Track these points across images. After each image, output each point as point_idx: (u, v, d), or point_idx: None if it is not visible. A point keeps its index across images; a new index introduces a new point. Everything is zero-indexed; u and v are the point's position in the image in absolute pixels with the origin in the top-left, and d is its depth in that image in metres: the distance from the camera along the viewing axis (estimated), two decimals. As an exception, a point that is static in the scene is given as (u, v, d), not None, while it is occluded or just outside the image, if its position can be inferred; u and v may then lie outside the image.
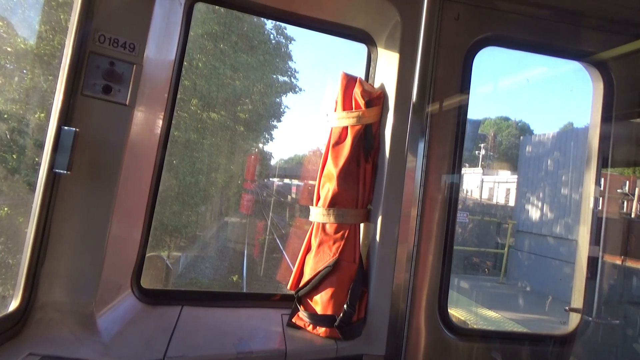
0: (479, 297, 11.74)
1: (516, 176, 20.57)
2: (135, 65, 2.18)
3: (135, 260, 2.59)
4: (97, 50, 2.13)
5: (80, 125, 2.07)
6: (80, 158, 2.08)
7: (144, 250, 2.64)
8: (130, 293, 2.58)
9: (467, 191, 33.44)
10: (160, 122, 2.62)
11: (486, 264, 17.21)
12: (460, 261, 16.23)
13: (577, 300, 3.25)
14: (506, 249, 15.50)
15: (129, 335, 2.26)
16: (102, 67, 2.14)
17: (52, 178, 2.07)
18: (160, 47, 2.43)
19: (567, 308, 3.28)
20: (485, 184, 32.90)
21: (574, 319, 3.24)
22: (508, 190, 26.62)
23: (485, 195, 30.34)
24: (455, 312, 8.62)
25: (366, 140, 2.78)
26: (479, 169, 36.71)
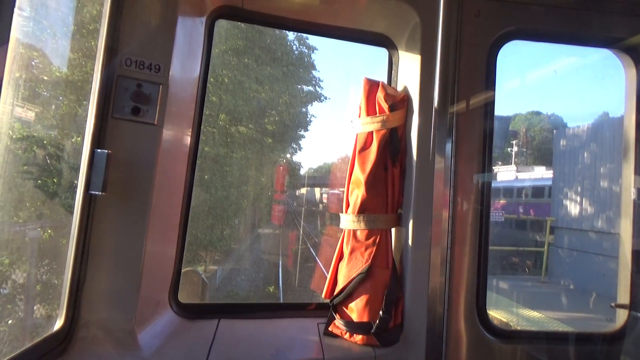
0: (521, 297, 11.41)
1: (551, 171, 19.99)
2: (161, 85, 2.25)
3: (171, 275, 2.64)
4: (124, 73, 2.21)
5: (112, 147, 2.14)
6: (113, 179, 2.14)
7: (180, 265, 2.70)
8: (169, 308, 2.63)
9: (501, 190, 32.72)
10: (189, 139, 2.68)
11: (526, 263, 16.75)
12: (498, 261, 15.86)
13: (624, 296, 3.12)
14: (546, 246, 15.01)
15: (169, 350, 2.30)
16: (130, 90, 2.21)
17: (89, 199, 2.14)
18: (184, 66, 2.49)
19: (613, 304, 3.15)
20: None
21: (622, 316, 3.10)
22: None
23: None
24: (497, 314, 8.39)
25: (392, 144, 2.77)
26: (513, 167, 35.90)
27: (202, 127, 2.84)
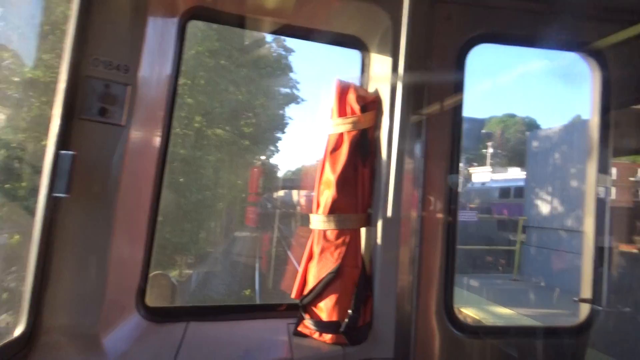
0: (493, 295, 11.64)
1: (525, 172, 20.45)
2: (129, 86, 2.22)
3: (138, 279, 2.61)
4: (91, 73, 2.17)
5: (78, 149, 2.11)
6: (78, 181, 2.10)
7: (148, 268, 2.66)
8: (135, 312, 2.59)
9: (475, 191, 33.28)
10: (158, 140, 2.64)
11: (499, 261, 17.09)
12: (473, 260, 16.13)
13: (587, 291, 3.22)
14: (518, 245, 15.39)
15: (135, 354, 2.27)
16: (97, 90, 2.18)
17: (52, 202, 2.10)
18: (154, 67, 2.47)
19: (576, 299, 3.25)
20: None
21: (585, 310, 3.21)
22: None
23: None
24: (470, 312, 8.55)
25: (363, 145, 2.79)
26: (488, 167, 36.57)
27: (173, 128, 2.82)
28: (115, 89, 2.20)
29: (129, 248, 2.47)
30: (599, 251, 3.21)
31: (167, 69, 2.69)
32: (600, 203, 3.26)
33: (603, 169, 3.26)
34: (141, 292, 2.63)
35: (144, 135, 2.43)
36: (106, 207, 2.17)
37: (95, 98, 2.17)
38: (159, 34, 2.47)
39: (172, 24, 2.68)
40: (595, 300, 3.15)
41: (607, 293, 3.12)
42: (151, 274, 2.74)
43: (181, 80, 2.89)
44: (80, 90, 2.16)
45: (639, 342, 3.47)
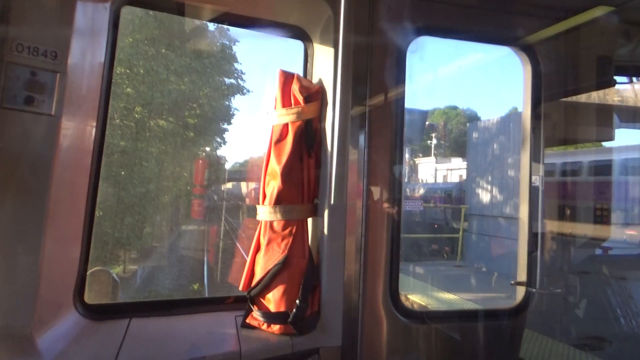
0: (438, 281, 12.09)
1: (466, 162, 21.21)
2: (58, 74, 2.09)
3: (75, 276, 2.49)
4: (15, 60, 2.03)
5: (2, 140, 1.97)
6: (5, 175, 1.98)
7: (86, 265, 2.55)
8: (73, 310, 2.47)
9: (422, 180, 34.28)
10: (93, 131, 2.52)
11: (445, 249, 17.72)
12: (419, 248, 16.65)
13: (522, 274, 3.41)
14: (461, 232, 16.02)
15: (74, 353, 2.18)
16: (22, 78, 2.04)
17: None
18: (86, 54, 2.34)
19: (512, 282, 3.44)
20: (439, 172, 33.86)
21: (520, 292, 3.39)
22: (461, 176, 27.44)
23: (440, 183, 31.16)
24: (416, 298, 8.83)
25: (307, 135, 2.80)
26: (432, 158, 37.74)
27: (112, 119, 2.70)
28: (42, 76, 2.07)
29: (65, 244, 2.35)
30: (533, 236, 3.39)
31: (101, 56, 2.56)
32: (534, 190, 3.44)
33: (536, 158, 3.45)
34: (79, 290, 2.52)
35: (77, 126, 2.31)
36: (37, 202, 2.04)
37: (20, 86, 2.03)
38: (89, 19, 2.35)
39: (104, 9, 2.54)
40: (529, 282, 3.33)
41: (541, 276, 3.31)
42: (90, 271, 2.63)
43: (118, 69, 2.76)
44: (2, 78, 2.01)
45: (570, 321, 3.72)
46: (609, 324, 3.47)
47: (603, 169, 13.36)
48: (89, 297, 2.61)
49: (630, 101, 4.31)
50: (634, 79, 4.23)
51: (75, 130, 2.29)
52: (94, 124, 2.53)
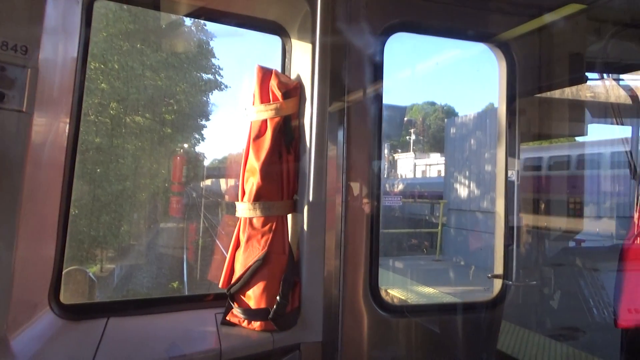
0: (417, 276, 12.21)
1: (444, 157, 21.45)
2: (29, 69, 2.03)
3: (50, 275, 2.44)
4: None
5: None
6: None
7: (61, 264, 2.49)
8: (48, 310, 2.42)
9: (401, 176, 34.57)
10: (67, 128, 2.46)
11: (424, 244, 17.90)
12: (398, 243, 16.78)
13: (499, 268, 3.47)
14: (440, 227, 16.21)
15: (49, 354, 2.14)
16: None
17: None
18: (57, 49, 2.28)
19: (489, 275, 3.50)
20: (417, 167, 34.16)
21: (497, 285, 3.46)
22: (439, 171, 27.74)
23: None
24: (396, 293, 8.91)
25: (286, 131, 2.79)
26: (411, 154, 38.08)
27: (86, 116, 2.64)
28: (12, 71, 2.00)
29: (39, 243, 2.29)
30: (509, 230, 3.46)
31: (74, 51, 2.50)
32: (510, 185, 3.51)
33: (512, 153, 3.51)
34: (55, 289, 2.46)
35: (50, 123, 2.26)
36: (8, 201, 1.98)
37: None
38: (60, 13, 2.29)
39: (76, 3, 2.48)
40: (506, 275, 3.40)
41: (517, 268, 3.38)
42: (66, 270, 2.58)
43: (92, 65, 2.71)
44: None
45: (545, 312, 3.81)
46: (582, 314, 3.56)
47: (565, 164, 13.70)
48: (65, 297, 2.56)
49: (602, 97, 4.42)
50: (605, 75, 4.33)
51: (48, 127, 2.24)
52: (68, 120, 2.47)
